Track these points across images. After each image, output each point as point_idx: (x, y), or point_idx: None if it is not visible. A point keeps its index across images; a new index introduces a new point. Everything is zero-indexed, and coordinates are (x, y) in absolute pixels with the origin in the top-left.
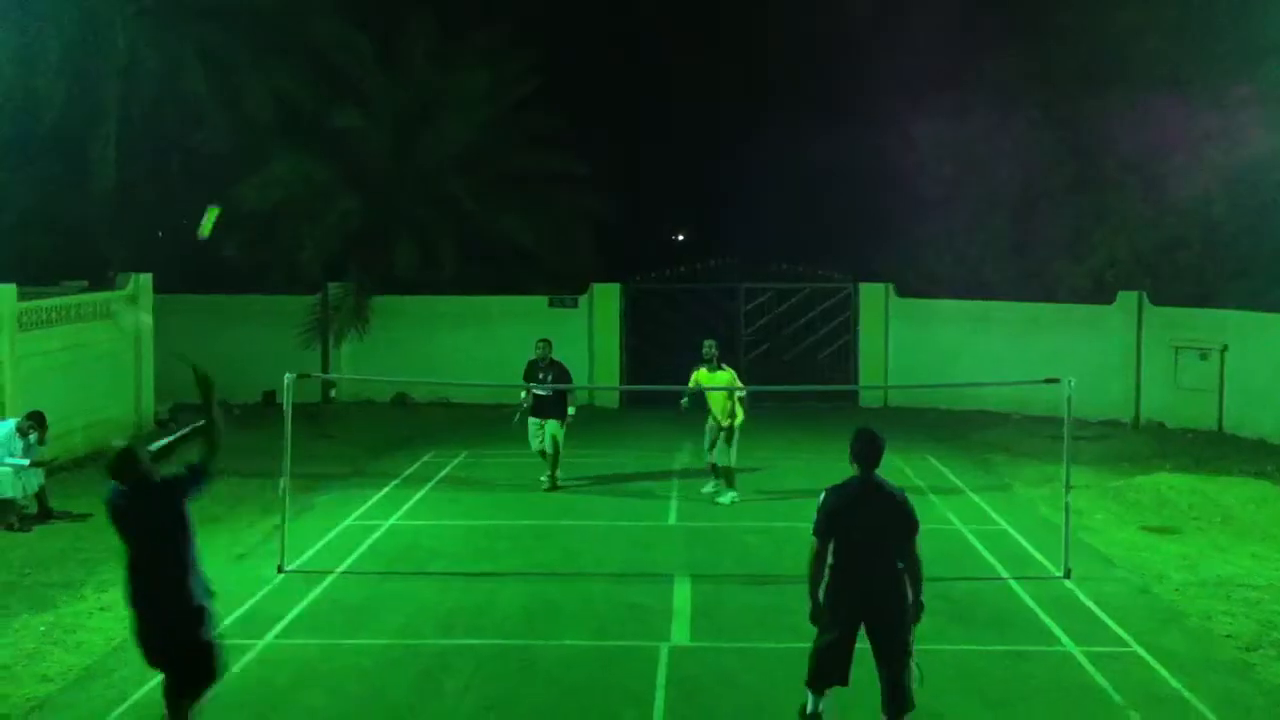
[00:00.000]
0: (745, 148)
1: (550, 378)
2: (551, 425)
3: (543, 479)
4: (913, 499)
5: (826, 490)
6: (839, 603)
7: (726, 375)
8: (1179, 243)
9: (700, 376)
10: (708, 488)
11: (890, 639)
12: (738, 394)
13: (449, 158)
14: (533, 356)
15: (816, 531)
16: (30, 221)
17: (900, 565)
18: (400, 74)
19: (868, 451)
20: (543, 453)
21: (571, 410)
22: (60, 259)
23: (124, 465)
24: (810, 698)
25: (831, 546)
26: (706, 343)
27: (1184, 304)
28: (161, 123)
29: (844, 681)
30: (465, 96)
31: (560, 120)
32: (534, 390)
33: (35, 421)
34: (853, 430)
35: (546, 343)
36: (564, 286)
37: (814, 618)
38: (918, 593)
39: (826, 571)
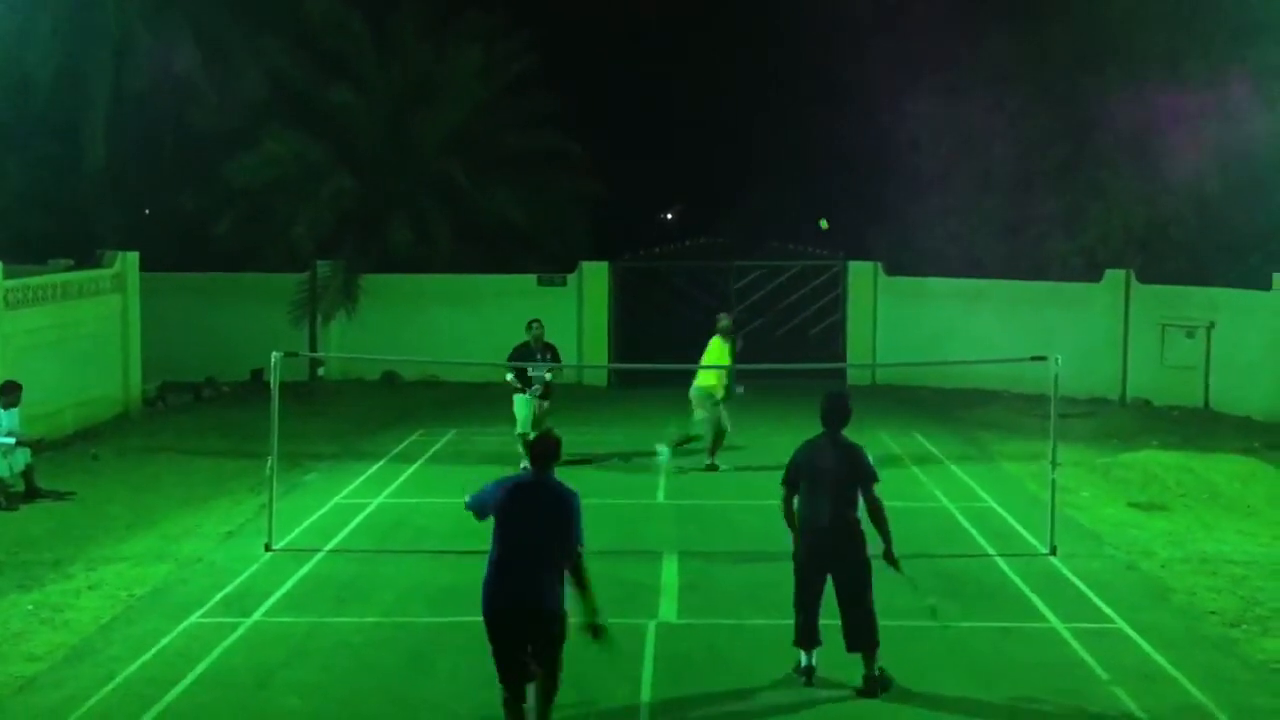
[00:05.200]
0: (738, 127)
1: (548, 358)
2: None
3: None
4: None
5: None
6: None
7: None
8: (1172, 219)
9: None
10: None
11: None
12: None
13: (442, 136)
14: (524, 339)
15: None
16: (23, 201)
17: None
18: (394, 53)
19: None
20: (525, 435)
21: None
22: (53, 238)
23: None
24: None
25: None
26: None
27: (1177, 280)
28: (154, 101)
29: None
30: (459, 76)
31: (554, 100)
32: (532, 375)
33: (6, 389)
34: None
35: (539, 323)
36: (556, 265)
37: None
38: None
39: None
